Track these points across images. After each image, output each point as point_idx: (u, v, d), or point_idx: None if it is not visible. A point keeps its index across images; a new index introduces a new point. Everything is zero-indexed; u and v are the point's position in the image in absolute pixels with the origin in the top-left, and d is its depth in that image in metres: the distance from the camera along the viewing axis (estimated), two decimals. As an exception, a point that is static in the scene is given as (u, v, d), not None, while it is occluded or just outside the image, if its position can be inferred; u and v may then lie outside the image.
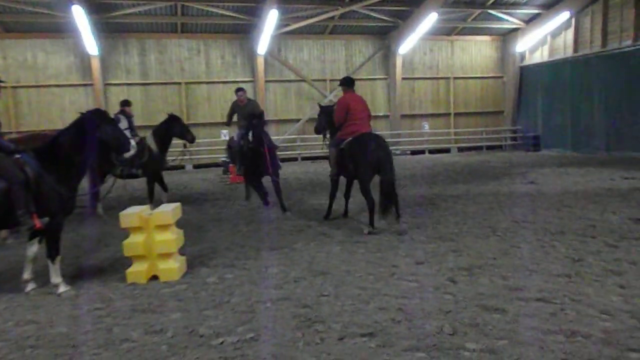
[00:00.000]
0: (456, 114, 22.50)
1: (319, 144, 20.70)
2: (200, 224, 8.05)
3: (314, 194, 11.05)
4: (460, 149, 21.81)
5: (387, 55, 21.46)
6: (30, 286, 5.05)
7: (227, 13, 18.25)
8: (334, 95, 20.74)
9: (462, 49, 22.44)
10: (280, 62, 20.34)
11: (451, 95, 22.32)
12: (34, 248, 5.14)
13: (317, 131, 8.56)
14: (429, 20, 18.74)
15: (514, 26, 21.36)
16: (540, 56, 21.29)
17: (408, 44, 20.46)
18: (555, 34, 20.41)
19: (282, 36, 19.70)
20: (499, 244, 6.23)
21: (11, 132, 16.03)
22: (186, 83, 19.52)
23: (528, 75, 21.88)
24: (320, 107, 8.64)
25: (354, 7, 18.54)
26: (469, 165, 16.36)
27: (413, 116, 21.84)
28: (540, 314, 3.99)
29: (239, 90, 10.13)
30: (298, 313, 4.22)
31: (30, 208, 4.86)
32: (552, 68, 20.40)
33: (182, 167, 18.18)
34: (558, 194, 9.75)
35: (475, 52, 22.59)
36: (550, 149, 20.22)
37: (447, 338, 3.62)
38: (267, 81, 20.18)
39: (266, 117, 19.80)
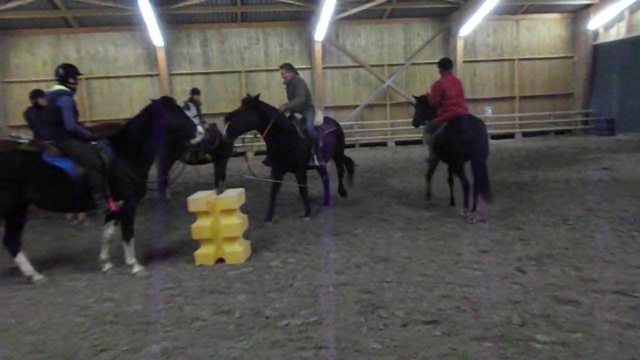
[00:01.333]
0: (521, 98, 21.48)
1: (377, 130, 20.68)
2: (263, 209, 8.24)
3: (373, 181, 10.98)
4: (526, 134, 20.84)
5: (447, 38, 20.79)
6: (107, 266, 5.38)
7: (286, 0, 18.34)
8: (392, 80, 20.43)
9: (529, 29, 21.31)
10: (337, 48, 20.24)
11: (516, 77, 21.30)
12: (110, 230, 5.46)
13: (415, 123, 8.52)
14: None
15: (587, 2, 20.01)
16: (617, 33, 19.81)
17: (470, 26, 19.69)
18: (634, 9, 18.92)
19: (340, 22, 19.56)
20: (570, 233, 5.94)
21: (85, 121, 17.05)
22: (246, 71, 19.88)
23: (602, 55, 20.45)
24: (416, 97, 8.56)
25: (414, -11, 18.06)
26: (535, 150, 15.63)
27: (475, 100, 21.03)
28: (617, 307, 3.78)
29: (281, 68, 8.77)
30: (360, 298, 4.24)
31: (106, 192, 5.17)
32: (630, 46, 18.92)
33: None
34: (635, 181, 9.12)
35: (543, 31, 21.37)
36: (627, 133, 18.86)
37: (516, 329, 3.51)
38: (324, 68, 20.15)
39: (324, 104, 20.05)
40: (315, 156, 7.44)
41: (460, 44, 20.31)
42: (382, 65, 20.62)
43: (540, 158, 13.57)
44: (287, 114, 7.50)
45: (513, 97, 21.44)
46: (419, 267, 4.97)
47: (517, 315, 3.70)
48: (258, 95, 7.15)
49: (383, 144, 19.88)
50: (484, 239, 5.82)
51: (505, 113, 21.35)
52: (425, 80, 20.76)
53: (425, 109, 8.04)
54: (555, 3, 20.22)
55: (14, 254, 5.16)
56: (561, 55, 21.52)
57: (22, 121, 11.21)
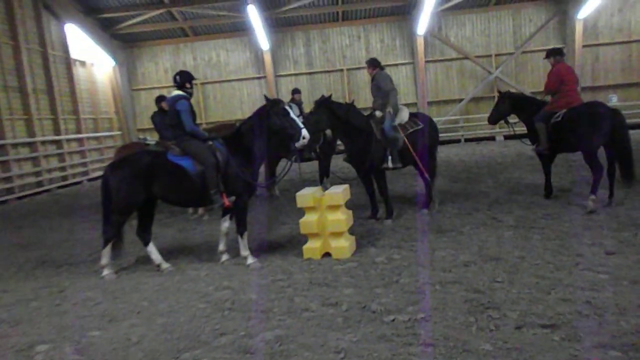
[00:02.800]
0: (654, 83, 19.20)
1: (483, 124, 19.68)
2: (367, 205, 8.29)
3: (480, 177, 10.53)
4: (659, 124, 18.58)
5: (564, 21, 19.21)
6: (224, 257, 5.80)
7: (387, -5, 18.22)
8: (500, 71, 19.36)
9: (663, 5, 18.97)
10: (440, 40, 19.65)
11: (647, 60, 19.08)
12: (226, 224, 5.87)
13: (493, 120, 8.29)
14: (619, -25, 16.17)
15: None
16: None
17: (590, 6, 17.99)
18: None
19: (443, 13, 18.98)
20: None
21: (201, 123, 18.42)
22: (348, 69, 20.10)
23: None
24: (500, 93, 8.33)
25: (525, -28, 16.93)
26: (670, 142, 13.86)
27: (596, 88, 19.23)
28: None
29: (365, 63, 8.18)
30: (469, 297, 4.12)
31: (220, 188, 5.56)
32: None
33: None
34: None
35: (680, 7, 18.92)
36: None
37: (650, 338, 3.19)
38: (427, 61, 19.70)
39: (427, 99, 19.57)
40: (389, 157, 6.99)
41: (579, 27, 18.68)
42: (489, 56, 19.69)
43: (678, 150, 12.01)
44: (368, 112, 7.32)
45: (644, 83, 19.22)
46: (533, 268, 4.69)
47: (650, 324, 3.36)
48: (330, 96, 7.05)
49: (491, 139, 18.95)
50: (610, 240, 5.32)
51: (635, 101, 19.22)
52: (538, 69, 19.44)
53: (506, 107, 7.99)
54: (697, -27, 17.78)
55: (146, 244, 5.76)
56: None
57: (148, 124, 12.45)
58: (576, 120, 6.88)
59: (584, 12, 18.29)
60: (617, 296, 3.89)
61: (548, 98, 7.55)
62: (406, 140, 7.13)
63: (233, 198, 5.65)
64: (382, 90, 7.26)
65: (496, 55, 19.63)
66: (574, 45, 18.75)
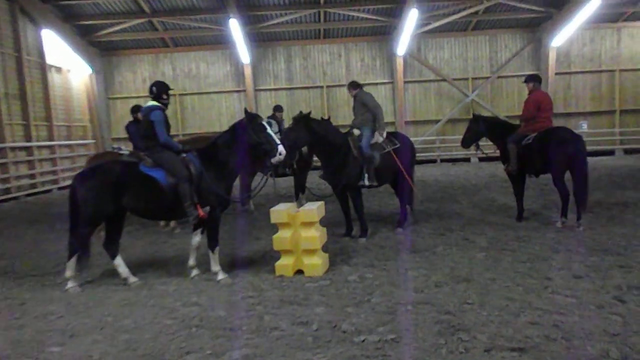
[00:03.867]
0: (622, 112, 19.89)
1: (459, 145, 19.93)
2: (341, 223, 8.27)
3: (454, 198, 10.65)
4: (628, 151, 19.22)
5: (538, 49, 19.83)
6: (194, 272, 5.68)
7: (368, 16, 18.51)
8: (476, 94, 19.78)
9: (632, 37, 19.76)
10: (419, 62, 20.00)
11: (617, 90, 19.78)
12: (197, 238, 5.76)
13: (466, 144, 8.41)
14: (591, 6, 16.77)
15: (701, 7, 18.21)
16: None
17: (563, 35, 18.62)
18: None
19: (422, 35, 19.36)
20: (680, 261, 5.35)
21: (178, 135, 18.21)
22: (327, 86, 20.24)
23: None
24: (474, 115, 8.48)
25: (501, 0, 17.43)
26: (638, 169, 14.32)
27: (568, 115, 19.80)
28: None
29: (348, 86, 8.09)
30: (440, 319, 4.11)
31: (194, 200, 5.46)
32: None
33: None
34: None
35: (648, 40, 19.73)
36: None
37: (615, 364, 3.22)
38: (406, 82, 20.00)
39: (405, 118, 19.82)
40: (366, 175, 7.03)
41: (552, 55, 19.30)
42: (466, 79, 20.11)
43: (644, 177, 12.42)
44: (345, 130, 7.39)
45: (613, 111, 19.95)
46: (503, 290, 4.72)
47: (615, 349, 3.39)
48: (309, 113, 7.05)
49: (466, 160, 19.25)
50: (578, 264, 5.41)
51: (604, 128, 19.86)
52: (512, 94, 19.95)
53: (480, 129, 8.16)
54: (663, 9, 18.60)
55: (113, 257, 5.60)
56: (669, 65, 19.71)
57: (123, 133, 12.23)
58: (543, 143, 7.16)
59: (557, 41, 18.92)
60: (583, 320, 3.93)
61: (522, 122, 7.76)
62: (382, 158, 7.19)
63: (207, 208, 5.55)
64: (369, 107, 7.34)
65: (473, 78, 20.09)
66: (547, 73, 19.32)
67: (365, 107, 7.38)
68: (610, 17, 19.15)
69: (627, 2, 18.25)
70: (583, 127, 19.58)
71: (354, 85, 7.64)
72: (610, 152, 19.06)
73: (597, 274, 5.06)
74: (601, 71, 19.90)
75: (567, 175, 7.12)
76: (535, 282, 4.89)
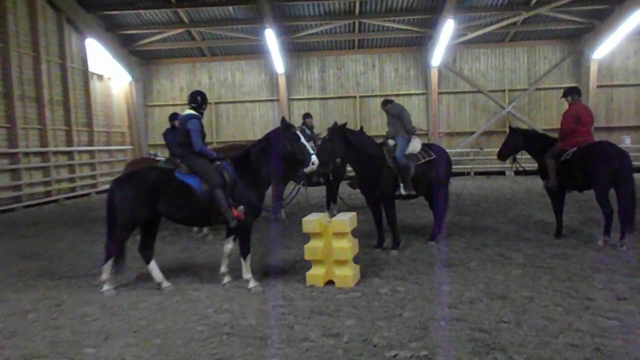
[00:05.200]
0: (668, 126, 19.10)
1: (494, 158, 19.50)
2: (373, 234, 8.19)
3: (489, 212, 10.40)
4: (672, 168, 18.39)
5: (579, 61, 19.29)
6: (225, 279, 5.71)
7: (402, 27, 18.44)
8: (513, 106, 19.37)
9: (679, 49, 19.00)
10: (454, 73, 19.77)
11: (661, 104, 19.02)
12: (229, 245, 5.80)
13: (503, 156, 8.19)
14: (635, 18, 16.23)
15: None
16: None
17: (606, 47, 18.07)
18: None
19: (458, 46, 19.14)
20: None
21: (212, 143, 18.51)
22: (360, 96, 20.23)
23: None
24: (511, 128, 8.27)
25: (541, 10, 17.07)
26: (684, 186, 13.66)
27: (610, 129, 19.15)
28: None
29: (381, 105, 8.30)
30: (474, 337, 3.99)
31: (230, 203, 5.50)
32: None
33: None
34: None
35: (697, 52, 18.93)
36: None
37: (663, 392, 3.04)
38: (440, 93, 19.78)
39: (438, 130, 19.57)
40: (402, 185, 7.01)
41: (594, 68, 18.73)
42: (503, 91, 19.73)
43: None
44: (379, 141, 7.42)
45: (657, 126, 19.14)
46: (541, 310, 4.56)
47: (663, 377, 3.21)
48: (345, 124, 7.04)
49: (501, 173, 18.82)
50: (622, 285, 5.17)
51: (648, 143, 19.08)
52: (551, 107, 19.47)
53: (518, 142, 7.93)
54: None
55: (147, 261, 5.70)
56: None
57: (160, 140, 12.51)
58: (584, 158, 6.93)
59: (599, 53, 18.36)
60: (628, 345, 3.74)
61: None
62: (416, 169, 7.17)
63: (242, 208, 5.56)
64: (395, 114, 7.50)
65: (509, 90, 19.69)
66: (588, 85, 18.75)
67: (395, 118, 7.45)
68: (656, 29, 18.48)
69: (674, 13, 17.57)
70: (626, 142, 18.86)
71: (384, 103, 7.91)
72: (655, 169, 18.28)
73: (642, 296, 4.83)
74: (645, 84, 19.19)
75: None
76: (576, 303, 4.70)
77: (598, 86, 18.93)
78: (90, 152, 17.37)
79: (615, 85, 19.29)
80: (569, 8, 17.14)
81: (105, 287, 5.51)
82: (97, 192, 16.73)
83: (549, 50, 19.66)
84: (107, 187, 16.09)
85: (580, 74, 19.29)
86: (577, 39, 19.18)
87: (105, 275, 5.53)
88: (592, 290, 5.04)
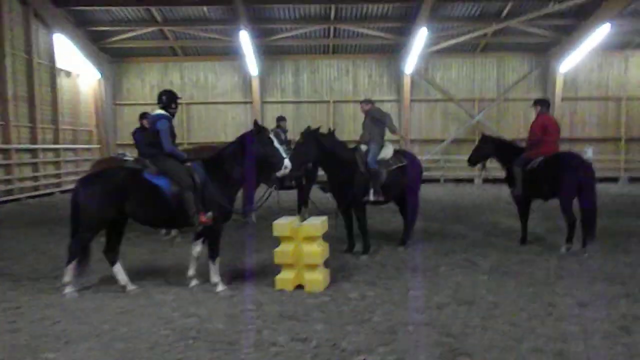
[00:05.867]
0: (628, 140, 19.85)
1: (463, 165, 19.84)
2: (343, 239, 8.20)
3: (458, 219, 10.58)
4: (633, 179, 19.13)
5: (545, 74, 19.89)
6: (193, 282, 5.62)
7: (377, 34, 18.63)
8: (482, 115, 19.79)
9: (639, 65, 19.80)
10: (427, 81, 20.08)
11: (623, 117, 19.78)
12: (198, 248, 5.71)
13: (473, 162, 8.36)
14: (600, 33, 16.87)
15: None
16: None
17: (571, 61, 18.69)
18: None
19: (430, 55, 19.43)
20: (687, 293, 5.27)
21: (183, 144, 18.23)
22: (334, 101, 20.30)
23: None
24: (484, 135, 8.47)
25: (511, 23, 17.53)
26: (642, 197, 14.23)
27: (573, 140, 19.76)
28: None
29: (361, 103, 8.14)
30: (442, 341, 4.04)
31: (199, 208, 5.41)
32: None
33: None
34: None
35: (655, 69, 19.78)
36: None
37: (621, 396, 3.14)
38: (412, 100, 20.04)
39: (410, 136, 19.82)
40: (371, 191, 7.06)
41: (559, 80, 19.35)
42: (473, 100, 20.14)
43: (649, 206, 12.34)
44: (352, 146, 7.45)
45: (618, 139, 19.91)
46: (506, 315, 4.65)
47: (621, 381, 3.31)
48: (318, 128, 7.09)
49: (470, 181, 19.18)
50: (583, 291, 5.32)
51: (609, 155, 19.80)
52: (518, 117, 19.96)
53: (488, 150, 8.12)
54: (671, 39, 18.70)
55: (112, 264, 5.54)
56: (677, 95, 19.74)
57: (128, 140, 12.24)
58: (550, 168, 7.14)
59: (565, 66, 18.98)
60: (588, 349, 3.85)
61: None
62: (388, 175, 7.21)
63: (210, 214, 5.49)
64: (378, 117, 7.52)
65: (479, 100, 20.12)
66: (553, 97, 19.32)
67: (375, 123, 7.48)
68: (618, 45, 19.24)
69: (635, 31, 18.34)
70: (588, 153, 19.49)
71: (367, 102, 7.83)
72: (615, 179, 18.98)
73: (602, 302, 4.98)
74: (608, 98, 19.93)
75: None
76: (539, 308, 4.82)
77: (563, 98, 19.55)
78: (55, 150, 16.84)
79: (580, 98, 19.96)
80: (538, 22, 17.67)
81: (68, 289, 5.33)
82: (62, 192, 16.22)
83: (517, 62, 20.19)
84: (72, 186, 15.65)
85: (546, 85, 19.88)
86: (544, 52, 19.78)
87: (67, 278, 5.36)
88: (555, 296, 5.18)
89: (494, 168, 8.63)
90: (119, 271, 5.53)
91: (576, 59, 18.57)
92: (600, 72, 19.92)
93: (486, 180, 18.41)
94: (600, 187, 14.87)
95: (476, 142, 8.58)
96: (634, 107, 19.84)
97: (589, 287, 5.49)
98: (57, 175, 16.84)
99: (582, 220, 7.08)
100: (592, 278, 5.86)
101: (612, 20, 16.51)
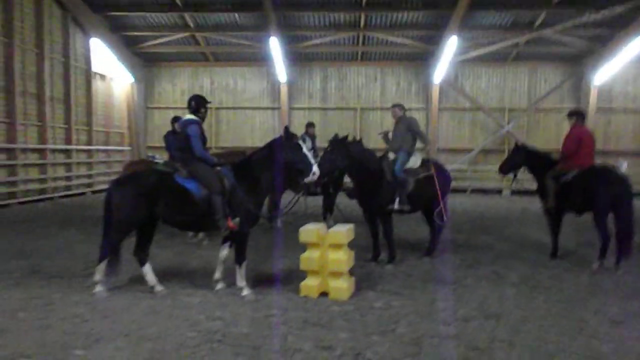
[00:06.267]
0: (664, 153, 19.20)
1: (491, 176, 19.54)
2: (368, 247, 8.16)
3: (485, 230, 10.40)
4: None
5: (579, 84, 19.42)
6: (219, 285, 5.67)
7: (406, 42, 18.55)
8: (512, 126, 19.45)
9: (678, 78, 19.18)
10: (456, 90, 19.87)
11: (659, 130, 19.15)
12: (225, 252, 5.77)
13: (504, 170, 8.23)
14: (637, 44, 16.41)
15: None
16: None
17: (606, 72, 18.21)
18: None
19: (460, 63, 19.22)
20: None
21: (211, 147, 18.49)
22: (361, 109, 20.28)
23: None
24: (517, 145, 8.32)
25: (544, 33, 17.22)
26: (679, 213, 13.71)
27: (607, 153, 19.16)
28: None
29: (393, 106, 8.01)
30: (468, 355, 3.98)
31: (226, 212, 5.48)
32: None
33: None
34: None
35: (696, 81, 19.11)
36: None
37: (656, 420, 3.02)
38: (440, 109, 19.86)
39: (436, 145, 19.62)
40: (397, 199, 6.98)
41: (593, 91, 18.84)
42: (503, 109, 19.82)
43: (686, 222, 11.87)
44: (380, 154, 7.41)
45: (654, 152, 19.24)
46: (535, 330, 4.54)
47: (657, 405, 3.19)
48: (346, 136, 7.07)
49: (498, 192, 18.85)
50: (616, 309, 5.16)
51: (644, 169, 19.16)
52: (549, 128, 19.57)
53: (520, 159, 7.97)
54: None
55: (142, 264, 5.65)
56: None
57: (159, 142, 12.48)
58: (585, 182, 6.95)
59: (599, 77, 18.50)
60: (622, 370, 3.73)
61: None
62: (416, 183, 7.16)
63: (237, 220, 5.56)
64: (414, 131, 7.43)
65: (509, 109, 19.78)
66: (587, 109, 18.83)
67: (408, 131, 7.40)
68: (656, 56, 18.66)
69: (675, 42, 17.76)
70: (623, 166, 18.86)
71: (400, 107, 7.73)
72: (651, 194, 18.34)
73: (636, 320, 4.83)
74: (644, 111, 19.35)
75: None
76: (570, 324, 4.69)
77: (597, 109, 19.05)
78: (88, 151, 17.32)
79: (614, 110, 19.42)
80: (572, 31, 17.29)
81: (98, 288, 5.46)
82: (93, 192, 16.66)
83: (550, 72, 19.80)
84: (103, 187, 16.08)
85: (579, 96, 19.41)
86: (578, 62, 19.34)
87: (98, 277, 5.49)
88: (587, 313, 5.03)
89: (525, 179, 8.46)
90: (148, 272, 5.64)
91: (611, 70, 18.07)
92: (637, 84, 19.34)
93: (514, 192, 18.12)
94: (636, 203, 14.33)
95: (509, 151, 8.40)
96: (671, 120, 19.20)
97: (622, 305, 5.32)
98: (89, 176, 17.29)
99: (617, 236, 6.86)
100: (626, 295, 5.69)
101: (650, 30, 16.05)
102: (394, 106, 7.76)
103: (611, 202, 6.78)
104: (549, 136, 19.33)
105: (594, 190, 6.84)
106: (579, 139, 7.24)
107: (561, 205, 7.33)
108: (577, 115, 7.55)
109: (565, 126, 7.60)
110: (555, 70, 19.74)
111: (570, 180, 7.12)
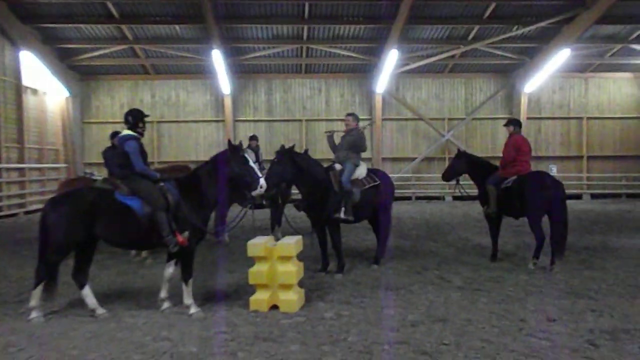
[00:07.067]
0: (590, 157, 20.65)
1: (434, 184, 20.25)
2: (317, 258, 8.20)
3: (429, 236, 10.72)
4: (594, 196, 19.84)
5: (511, 94, 20.58)
6: (165, 305, 5.50)
7: (349, 54, 18.94)
8: (451, 134, 20.25)
9: (598, 87, 20.75)
10: (397, 100, 20.46)
11: (584, 136, 20.59)
12: (170, 269, 5.60)
13: (447, 177, 8.52)
14: (561, 57, 17.68)
15: (662, 62, 19.30)
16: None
17: (535, 82, 19.44)
18: None
19: (401, 75, 19.86)
20: (649, 307, 5.47)
21: (153, 162, 17.97)
22: (306, 120, 20.44)
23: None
24: (459, 151, 8.64)
25: (477, 45, 18.15)
26: (605, 214, 14.78)
27: (538, 158, 20.37)
28: None
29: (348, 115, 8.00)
30: (417, 359, 4.06)
31: (173, 227, 5.33)
32: None
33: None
34: None
35: (613, 91, 20.73)
36: None
37: (590, 409, 3.22)
38: (384, 119, 20.36)
39: (381, 155, 20.10)
40: (343, 209, 7.02)
41: (524, 101, 20.04)
42: (442, 119, 20.62)
43: (611, 222, 12.81)
44: (325, 165, 7.48)
45: (580, 157, 20.69)
46: (479, 331, 4.72)
47: (590, 395, 3.40)
48: (293, 147, 7.13)
49: (440, 198, 19.52)
50: (551, 307, 5.46)
51: (572, 173, 20.51)
52: (486, 136, 20.52)
53: (462, 167, 8.30)
54: (628, 62, 19.70)
55: (81, 287, 5.38)
56: (635, 115, 20.75)
57: (96, 159, 11.99)
58: (524, 187, 7.33)
59: (529, 87, 19.70)
60: (559, 364, 3.94)
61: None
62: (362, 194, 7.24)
63: (187, 233, 5.41)
64: (359, 147, 7.47)
65: (449, 119, 20.60)
66: (519, 117, 19.93)
67: (355, 144, 7.45)
68: (579, 68, 20.11)
69: (594, 54, 19.24)
70: (553, 171, 20.13)
71: (355, 118, 7.70)
72: (578, 197, 19.61)
73: (570, 317, 5.12)
74: (570, 118, 20.74)
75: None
76: (510, 324, 4.91)
77: (528, 118, 20.21)
78: (20, 169, 16.35)
79: (543, 118, 20.70)
80: (502, 44, 18.35)
81: (34, 314, 5.14)
82: (26, 212, 15.72)
83: (484, 83, 20.84)
84: (37, 207, 15.21)
85: (512, 105, 20.54)
86: (509, 74, 20.49)
87: (34, 302, 5.17)
88: (525, 312, 5.30)
89: (468, 185, 8.82)
90: (88, 294, 5.37)
91: (539, 80, 19.31)
92: (562, 93, 20.75)
93: (456, 198, 18.84)
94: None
95: (451, 159, 8.74)
96: (594, 126, 20.69)
97: (558, 303, 5.63)
98: (22, 196, 16.32)
99: (552, 237, 7.27)
100: (560, 293, 6.03)
101: (572, 44, 17.32)
102: (349, 115, 7.77)
103: (546, 205, 7.19)
104: (486, 144, 20.31)
105: (530, 194, 7.23)
106: (517, 146, 7.64)
107: (502, 210, 7.68)
108: (515, 124, 7.99)
109: (500, 134, 8.03)
110: (489, 81, 20.81)
111: (510, 186, 7.50)
